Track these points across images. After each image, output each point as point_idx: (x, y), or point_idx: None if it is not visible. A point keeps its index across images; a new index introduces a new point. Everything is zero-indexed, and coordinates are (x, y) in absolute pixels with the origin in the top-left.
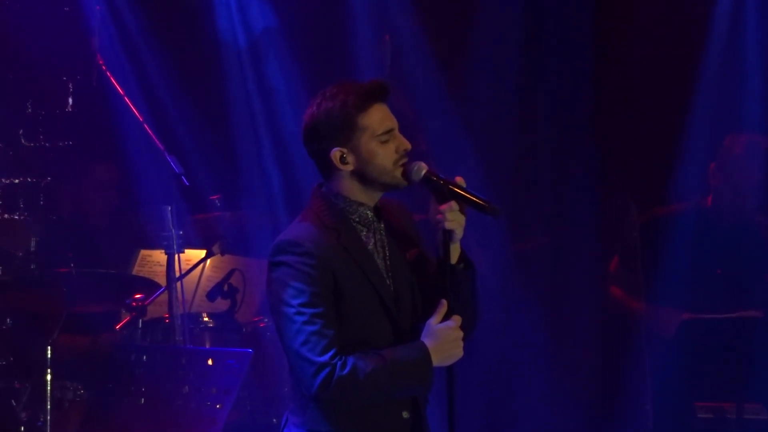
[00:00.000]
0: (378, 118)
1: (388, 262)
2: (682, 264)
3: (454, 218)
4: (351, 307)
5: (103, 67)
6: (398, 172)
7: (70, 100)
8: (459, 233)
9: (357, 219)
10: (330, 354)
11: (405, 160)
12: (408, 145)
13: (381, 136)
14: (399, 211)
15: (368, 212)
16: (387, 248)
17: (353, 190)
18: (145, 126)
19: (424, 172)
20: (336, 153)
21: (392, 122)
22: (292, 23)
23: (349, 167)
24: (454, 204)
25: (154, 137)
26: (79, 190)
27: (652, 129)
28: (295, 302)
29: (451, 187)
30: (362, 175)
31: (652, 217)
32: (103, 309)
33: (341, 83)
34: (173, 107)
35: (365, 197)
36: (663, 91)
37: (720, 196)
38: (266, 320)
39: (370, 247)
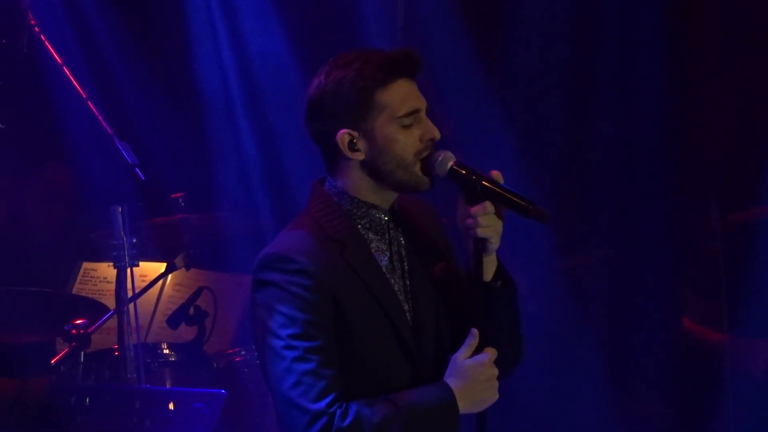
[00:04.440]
0: (401, 95)
1: (407, 282)
2: None
3: (489, 223)
4: (357, 341)
5: (37, 29)
6: (418, 168)
7: None
8: (495, 242)
9: (367, 224)
10: (328, 400)
11: (429, 152)
12: (437, 134)
13: (403, 119)
14: (422, 214)
15: (382, 216)
16: (406, 263)
17: (363, 187)
18: (90, 104)
19: (450, 164)
20: (344, 136)
21: (419, 102)
22: None
23: (360, 155)
24: (489, 205)
25: (101, 118)
26: (17, 197)
27: (739, 115)
28: (284, 333)
29: (485, 183)
30: (375, 168)
31: (737, 223)
32: (34, 338)
33: (362, 49)
34: (126, 80)
35: (378, 197)
36: (754, 69)
37: None
38: (243, 352)
39: (385, 262)
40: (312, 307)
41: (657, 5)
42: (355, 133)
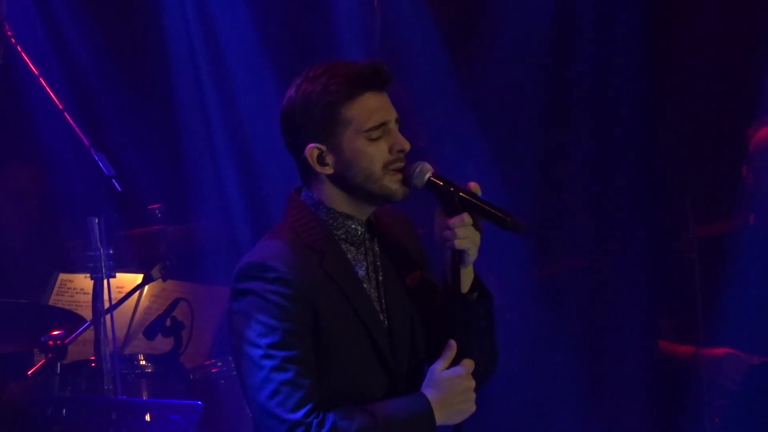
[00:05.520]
0: (368, 108)
1: (381, 291)
2: (747, 294)
3: (466, 235)
4: (334, 350)
5: (13, 40)
6: (389, 180)
7: None
8: (473, 254)
9: (343, 235)
10: (305, 410)
11: (400, 165)
12: (406, 145)
13: (370, 132)
14: (398, 224)
15: (358, 228)
16: (381, 273)
17: (337, 199)
18: (66, 115)
19: (428, 175)
20: (312, 150)
21: (387, 114)
22: None
23: (329, 169)
24: (466, 217)
25: (77, 130)
26: None
27: (715, 125)
28: (262, 342)
29: (463, 195)
30: (344, 181)
31: (713, 234)
32: (10, 349)
33: (330, 62)
34: (103, 92)
35: (353, 209)
36: (729, 83)
37: (762, 209)
38: (220, 364)
39: (361, 273)
40: (291, 315)
41: (633, 17)
42: (324, 147)
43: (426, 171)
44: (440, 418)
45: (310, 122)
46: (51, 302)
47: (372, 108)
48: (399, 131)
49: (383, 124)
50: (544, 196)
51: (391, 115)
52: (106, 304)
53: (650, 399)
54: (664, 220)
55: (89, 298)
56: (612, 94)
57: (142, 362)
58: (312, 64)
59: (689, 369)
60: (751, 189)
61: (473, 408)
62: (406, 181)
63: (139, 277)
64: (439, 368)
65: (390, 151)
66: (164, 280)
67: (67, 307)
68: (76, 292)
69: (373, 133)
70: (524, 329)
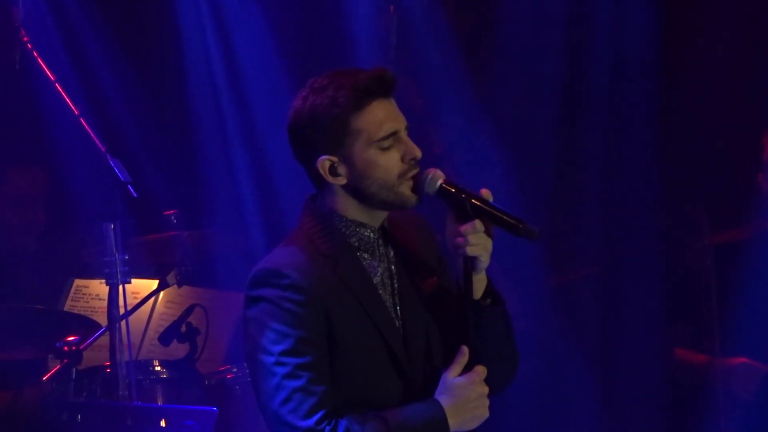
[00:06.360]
0: (377, 118)
1: (396, 298)
2: (763, 303)
3: (478, 242)
4: (348, 357)
5: (29, 46)
6: (404, 188)
7: None
8: (485, 260)
9: (356, 243)
10: (317, 417)
11: (414, 171)
12: (418, 153)
13: (381, 142)
14: (415, 230)
15: (371, 234)
16: (396, 279)
17: (350, 207)
18: (82, 121)
19: (440, 182)
20: (324, 162)
21: (397, 123)
22: None
23: (341, 180)
24: (478, 223)
25: (93, 136)
26: None
27: (732, 130)
28: (275, 349)
29: (475, 202)
30: (358, 191)
31: (728, 242)
32: (26, 355)
33: (334, 72)
34: (118, 98)
35: (366, 217)
36: (744, 87)
37: None
38: (235, 370)
39: (376, 279)
40: (303, 322)
41: (647, 23)
42: (335, 159)
43: (438, 178)
44: (454, 424)
45: (320, 135)
46: (66, 308)
47: (381, 117)
48: (408, 138)
49: (394, 134)
50: (558, 203)
51: (401, 123)
52: (122, 310)
53: (664, 409)
54: (678, 228)
55: (104, 303)
56: (626, 101)
57: (158, 368)
58: (327, 72)
59: (704, 378)
60: (766, 196)
61: (486, 414)
62: (416, 188)
63: (154, 283)
64: (452, 374)
65: (402, 159)
66: (179, 286)
67: (82, 313)
68: (92, 298)
69: (384, 143)
70: (537, 337)
